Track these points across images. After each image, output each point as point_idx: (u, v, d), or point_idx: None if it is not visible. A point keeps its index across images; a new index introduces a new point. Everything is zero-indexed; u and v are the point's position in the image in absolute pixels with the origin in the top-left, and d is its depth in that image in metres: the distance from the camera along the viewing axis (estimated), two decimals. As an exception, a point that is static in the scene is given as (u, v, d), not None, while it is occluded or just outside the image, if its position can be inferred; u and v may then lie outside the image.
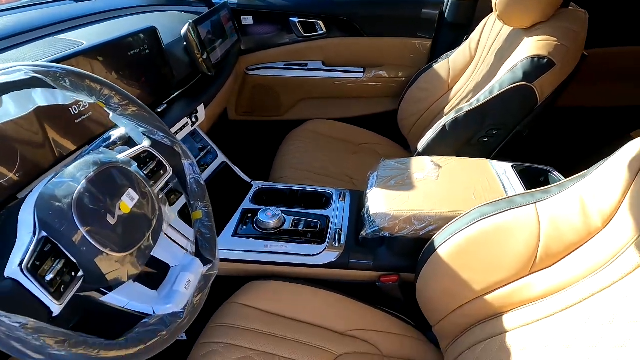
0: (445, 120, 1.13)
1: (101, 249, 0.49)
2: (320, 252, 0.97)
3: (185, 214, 0.83)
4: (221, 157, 1.20)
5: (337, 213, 1.08)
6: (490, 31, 1.34)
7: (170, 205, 0.95)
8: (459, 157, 1.07)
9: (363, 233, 0.94)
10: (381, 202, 0.94)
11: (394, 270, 0.95)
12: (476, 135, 1.12)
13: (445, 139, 1.14)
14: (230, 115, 1.88)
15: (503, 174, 1.00)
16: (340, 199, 1.13)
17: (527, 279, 0.72)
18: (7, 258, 0.44)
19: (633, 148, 0.64)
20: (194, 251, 0.66)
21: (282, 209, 1.06)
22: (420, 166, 1.04)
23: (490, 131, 1.10)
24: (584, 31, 1.07)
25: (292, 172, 1.38)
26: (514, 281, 0.73)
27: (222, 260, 0.97)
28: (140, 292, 0.56)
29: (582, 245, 0.67)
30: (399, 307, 0.96)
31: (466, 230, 0.78)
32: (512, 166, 1.03)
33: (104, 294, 0.53)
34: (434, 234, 0.84)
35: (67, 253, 0.46)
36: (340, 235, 1.01)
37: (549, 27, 1.06)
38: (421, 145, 1.19)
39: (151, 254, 0.61)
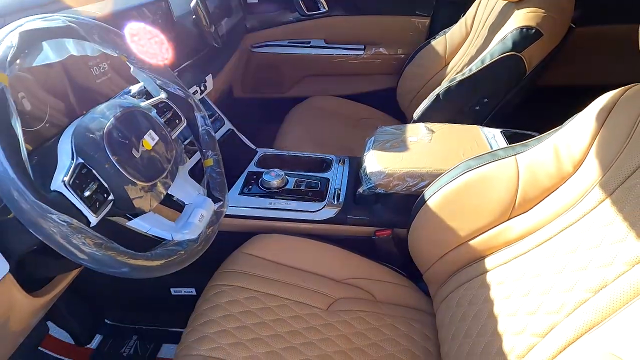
0: (439, 89, 1.20)
1: (128, 176, 0.56)
2: (320, 209, 1.05)
3: (194, 175, 0.91)
4: (228, 125, 1.28)
5: (337, 176, 1.15)
6: (485, 6, 1.40)
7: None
8: (451, 124, 1.14)
9: (360, 190, 1.01)
10: (377, 161, 1.01)
11: (388, 225, 1.02)
12: (468, 104, 1.18)
13: (439, 108, 1.21)
14: (235, 93, 1.95)
15: (492, 138, 1.07)
16: (340, 163, 1.21)
17: (506, 224, 0.79)
18: (51, 178, 0.51)
19: (601, 100, 0.71)
20: (206, 194, 0.73)
21: (285, 172, 1.13)
22: (415, 131, 1.11)
23: (481, 99, 1.17)
24: (571, 4, 1.13)
25: (295, 142, 1.45)
26: (494, 226, 0.81)
27: (229, 216, 1.05)
28: (161, 221, 0.64)
29: (555, 190, 0.74)
30: (392, 259, 1.03)
31: (453, 182, 0.85)
32: (500, 132, 1.10)
33: (130, 219, 0.61)
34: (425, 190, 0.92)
35: (99, 177, 0.54)
36: (339, 194, 1.08)
37: (538, 0, 1.12)
38: (416, 114, 1.26)
39: (168, 191, 0.69)
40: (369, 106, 1.76)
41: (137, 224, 0.61)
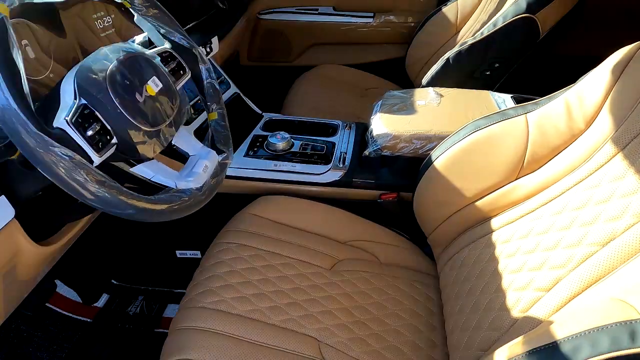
0: (449, 53, 1.17)
1: (131, 119, 0.56)
2: (326, 172, 1.04)
3: (199, 136, 0.90)
4: (233, 88, 1.26)
5: (343, 140, 1.14)
6: (499, -29, 1.35)
7: (187, 124, 1.02)
8: (461, 89, 1.12)
9: (366, 152, 1.00)
10: (384, 123, 1.00)
11: (393, 188, 1.01)
12: (479, 68, 1.16)
13: (449, 72, 1.19)
14: (242, 61, 1.92)
15: (502, 103, 1.05)
16: (347, 128, 1.19)
17: (514, 184, 0.78)
18: (54, 118, 0.51)
19: (616, 56, 0.69)
20: (210, 146, 0.73)
21: (291, 135, 1.12)
22: (423, 95, 1.09)
23: (492, 64, 1.14)
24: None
25: (301, 110, 1.44)
26: (502, 186, 0.80)
27: (234, 177, 1.05)
28: (165, 169, 0.63)
29: (565, 148, 0.72)
30: (397, 223, 1.03)
31: (461, 142, 0.84)
32: (511, 97, 1.08)
33: (133, 165, 0.61)
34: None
35: (102, 119, 0.53)
36: (344, 157, 1.07)
37: (555, -39, 1.08)
38: (425, 79, 1.24)
39: (172, 142, 0.68)
40: (376, 76, 1.73)
41: (141, 170, 0.60)
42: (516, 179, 0.78)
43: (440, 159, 0.87)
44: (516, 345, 0.48)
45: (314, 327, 0.78)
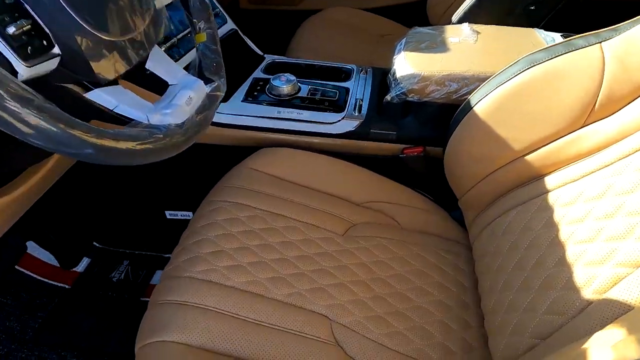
0: (486, -16, 0.99)
1: (79, 20, 0.39)
2: (339, 121, 0.88)
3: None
4: (230, 24, 1.08)
5: (358, 85, 0.97)
6: None
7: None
8: (500, 26, 0.94)
9: (387, 97, 0.84)
10: (410, 63, 0.83)
11: (419, 141, 0.86)
12: (521, 3, 0.97)
13: (484, 8, 1.00)
14: (241, 4, 1.72)
15: (551, 42, 0.88)
16: (362, 73, 1.02)
17: (580, 132, 0.62)
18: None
19: None
20: (197, 74, 0.56)
21: (297, 79, 0.95)
22: (456, 32, 0.91)
23: (538, -3, 0.96)
24: None
25: (308, 54, 1.26)
26: (563, 135, 0.64)
27: (230, 126, 0.89)
28: (134, 99, 0.48)
29: (655, 85, 0.56)
30: (422, 182, 0.88)
31: (511, 81, 0.67)
32: (562, 35, 0.90)
33: (89, 89, 0.45)
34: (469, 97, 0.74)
35: (33, 14, 0.37)
36: (360, 105, 0.91)
37: None
38: (456, 16, 1.05)
39: (147, 67, 0.52)
40: (392, 20, 1.53)
41: (99, 97, 0.44)
42: (583, 126, 0.62)
43: (482, 104, 0.71)
44: (627, 344, 0.34)
45: (324, 303, 0.64)
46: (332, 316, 0.63)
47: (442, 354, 0.62)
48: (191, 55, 0.91)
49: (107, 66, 0.43)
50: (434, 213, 0.85)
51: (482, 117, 0.70)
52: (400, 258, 0.74)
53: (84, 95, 0.44)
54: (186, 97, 0.51)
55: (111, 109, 0.45)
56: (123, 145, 0.41)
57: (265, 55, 1.09)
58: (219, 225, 0.70)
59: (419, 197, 0.86)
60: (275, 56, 1.10)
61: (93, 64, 0.42)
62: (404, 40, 0.92)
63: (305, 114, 0.89)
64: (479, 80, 0.77)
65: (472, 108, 0.72)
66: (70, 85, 0.44)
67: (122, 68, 0.45)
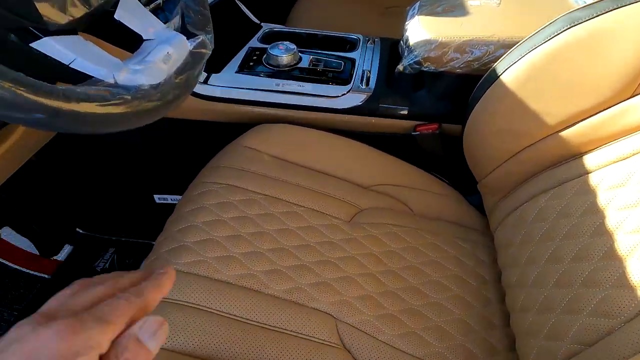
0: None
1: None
2: (344, 94, 0.79)
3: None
4: (224, -12, 0.98)
5: (365, 56, 0.88)
6: None
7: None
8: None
9: (399, 67, 0.74)
10: (425, 28, 0.73)
11: (434, 117, 0.77)
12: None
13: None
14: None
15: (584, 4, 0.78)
16: (369, 43, 0.92)
17: (628, 103, 0.53)
18: None
19: None
20: (179, 29, 0.47)
21: (298, 49, 0.85)
22: (476, -6, 0.81)
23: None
24: None
25: (310, 25, 1.15)
26: (606, 108, 0.55)
27: (223, 100, 0.80)
28: (97, 53, 0.38)
29: None
30: (436, 163, 0.79)
31: (546, 44, 0.58)
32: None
33: (38, 37, 0.35)
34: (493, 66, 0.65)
35: None
36: (368, 77, 0.82)
37: None
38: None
39: (116, 17, 0.43)
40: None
41: (49, 47, 0.35)
42: (633, 96, 0.53)
43: (510, 73, 0.61)
44: None
45: (329, 299, 0.56)
46: (337, 315, 0.55)
47: (463, 358, 0.54)
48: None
49: (58, 7, 0.34)
50: (450, 197, 0.76)
51: (509, 87, 0.61)
52: (414, 248, 0.66)
53: (31, 44, 0.35)
54: (163, 54, 0.42)
55: (66, 63, 0.36)
56: (79, 107, 0.32)
57: (262, 24, 0.99)
58: (208, 210, 0.62)
59: (434, 179, 0.77)
60: (273, 25, 1.00)
61: (38, 4, 0.33)
62: (417, 5, 0.82)
63: (307, 87, 0.79)
64: (505, 46, 0.67)
65: (497, 78, 0.63)
66: (13, 35, 0.35)
67: (78, 11, 0.36)
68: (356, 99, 0.78)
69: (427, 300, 0.59)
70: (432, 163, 0.79)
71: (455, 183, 0.79)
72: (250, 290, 0.55)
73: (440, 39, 0.70)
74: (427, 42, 0.71)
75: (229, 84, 0.80)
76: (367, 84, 0.81)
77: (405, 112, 0.77)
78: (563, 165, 0.59)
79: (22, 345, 0.22)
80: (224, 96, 0.79)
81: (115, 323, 0.24)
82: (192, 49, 0.44)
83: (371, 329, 0.55)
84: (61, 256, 0.99)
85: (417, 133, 0.76)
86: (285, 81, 0.80)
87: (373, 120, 0.79)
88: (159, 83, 0.39)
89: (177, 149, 0.91)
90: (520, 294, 0.56)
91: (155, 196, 1.00)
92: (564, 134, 0.59)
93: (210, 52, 0.46)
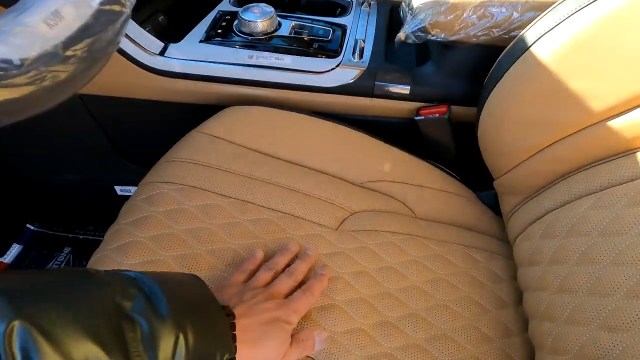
0: None
1: None
2: (333, 69, 0.64)
3: None
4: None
5: (359, 23, 0.73)
6: None
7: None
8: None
9: (400, 35, 0.60)
10: (433, -14, 0.58)
11: (441, 98, 0.63)
12: None
13: None
14: None
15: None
16: (364, 7, 0.77)
17: None
18: None
19: None
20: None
21: (278, 12, 0.70)
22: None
23: None
24: None
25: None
26: (677, 90, 0.41)
27: (183, 77, 0.66)
28: None
29: None
30: (443, 154, 0.66)
31: (596, 4, 0.44)
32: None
33: None
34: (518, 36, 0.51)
35: None
36: (362, 48, 0.67)
37: None
38: None
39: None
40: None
41: None
42: None
43: (544, 43, 0.47)
44: None
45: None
46: (318, 357, 0.43)
47: (478, 410, 0.43)
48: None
49: None
50: (461, 197, 0.63)
51: (543, 62, 0.47)
52: (416, 262, 0.53)
53: None
54: (48, 12, 0.27)
55: None
56: None
57: (236, -17, 0.83)
58: (155, 221, 0.48)
59: (441, 174, 0.64)
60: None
61: None
62: (422, -41, 0.66)
63: (287, 60, 0.65)
64: (537, 7, 0.53)
65: (526, 49, 0.49)
66: None
67: None
68: (347, 75, 0.64)
69: (433, 332, 0.47)
70: (439, 154, 0.65)
71: (467, 177, 0.66)
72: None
73: (450, 1, 0.56)
74: (435, 4, 0.57)
75: (191, 56, 0.65)
76: (361, 56, 0.66)
77: (407, 91, 0.63)
78: (608, 163, 0.46)
79: (267, 312, 0.40)
80: (185, 72, 0.65)
81: (302, 312, 0.42)
82: (99, 4, 0.30)
83: (364, 375, 0.43)
84: (8, 258, 0.86)
85: (421, 118, 0.62)
86: (260, 53, 0.65)
87: (367, 101, 0.65)
88: (31, 57, 0.25)
89: (135, 135, 0.77)
90: (551, 329, 0.44)
91: (117, 188, 0.87)
92: (613, 123, 0.45)
93: (129, 12, 0.32)
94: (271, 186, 0.56)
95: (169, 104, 0.68)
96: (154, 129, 0.74)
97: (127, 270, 0.33)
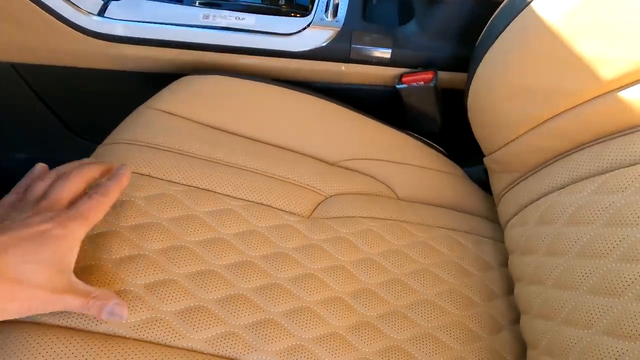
0: None
1: None
2: (302, 30, 0.56)
3: None
4: None
5: (333, -26, 0.63)
6: None
7: None
8: None
9: (379, -11, 0.51)
10: None
11: (426, 62, 0.55)
12: None
13: None
14: None
15: None
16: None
17: None
18: None
19: None
20: None
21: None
22: None
23: None
24: None
25: None
26: None
27: (127, 41, 0.56)
28: None
29: None
30: (430, 129, 0.59)
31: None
32: None
33: None
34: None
35: None
36: (337, 5, 0.58)
37: None
38: None
39: None
40: None
41: None
42: None
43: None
44: None
45: (275, 346, 0.38)
46: (286, 371, 0.38)
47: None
48: None
49: None
50: (448, 174, 0.57)
51: (546, 20, 0.40)
52: (397, 251, 0.48)
53: None
54: None
55: None
56: None
57: None
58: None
59: (426, 149, 0.58)
60: None
61: None
62: None
63: (249, 20, 0.56)
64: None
65: (527, 4, 0.41)
66: None
67: None
68: (319, 37, 0.56)
69: (417, 332, 0.43)
70: (424, 126, 0.59)
71: (455, 151, 0.60)
72: (157, 345, 0.36)
73: (440, -57, 0.47)
74: (420, -51, 0.48)
75: (136, 16, 0.56)
76: (335, 14, 0.57)
77: (388, 55, 0.55)
78: (617, 140, 0.40)
79: (29, 227, 0.30)
80: (129, 35, 0.56)
81: (92, 219, 0.33)
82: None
83: (337, 386, 0.38)
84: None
85: (404, 86, 0.55)
86: (217, 12, 0.56)
87: (343, 67, 0.57)
88: None
89: (85, 109, 0.68)
90: (547, 329, 0.39)
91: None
92: (625, 94, 0.39)
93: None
94: (232, 169, 0.48)
95: (115, 74, 0.59)
96: (103, 103, 0.66)
97: None
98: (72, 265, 0.32)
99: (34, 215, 0.31)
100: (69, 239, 0.32)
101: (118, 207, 0.43)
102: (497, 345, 0.44)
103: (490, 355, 0.43)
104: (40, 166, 0.38)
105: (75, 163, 0.38)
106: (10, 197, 0.35)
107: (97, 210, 0.34)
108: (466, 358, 0.42)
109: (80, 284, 0.33)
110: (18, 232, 0.29)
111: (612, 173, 0.39)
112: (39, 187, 0.35)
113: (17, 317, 0.30)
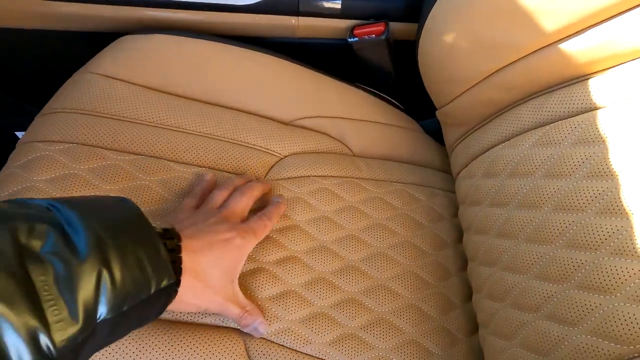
0: None
1: None
2: (247, -18, 0.53)
3: None
4: None
5: None
6: None
7: None
8: None
9: None
10: None
11: (378, 14, 0.53)
12: None
13: None
14: None
15: None
16: None
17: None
18: None
19: None
20: None
21: None
22: None
23: None
24: None
25: None
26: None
27: (60, -2, 0.52)
28: None
29: None
30: (383, 82, 0.58)
31: None
32: None
33: None
34: None
35: None
36: (283, -49, 0.55)
37: None
38: None
39: None
40: None
41: None
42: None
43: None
44: None
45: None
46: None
47: (416, 352, 0.42)
48: None
49: None
50: (403, 128, 0.57)
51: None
52: (352, 207, 0.49)
53: None
54: None
55: None
56: None
57: None
58: (36, 192, 0.40)
59: (380, 104, 0.57)
60: None
61: None
62: None
63: (190, -29, 0.52)
64: None
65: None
66: None
67: None
68: (266, -12, 0.53)
69: (370, 284, 0.45)
70: (378, 80, 0.58)
71: (410, 104, 0.59)
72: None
73: None
74: None
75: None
76: (282, -38, 0.54)
77: (338, 5, 0.53)
78: (558, 91, 0.41)
79: (218, 234, 0.35)
80: (60, -9, 0.51)
81: (259, 237, 0.39)
82: None
83: (292, 339, 0.40)
84: None
85: (355, 39, 0.53)
86: (154, -38, 0.52)
87: (292, 20, 0.54)
88: None
89: (25, 73, 0.64)
90: (489, 274, 0.42)
91: (18, 134, 0.75)
92: (566, 45, 0.39)
93: None
94: (182, 134, 0.47)
95: (52, 34, 0.55)
96: (44, 66, 0.62)
97: (38, 200, 0.27)
98: (238, 276, 0.37)
99: (219, 223, 0.36)
100: (244, 250, 0.37)
101: (62, 182, 0.41)
102: (445, 290, 0.47)
103: (440, 299, 0.46)
104: (210, 175, 0.44)
105: (244, 178, 0.45)
106: (191, 201, 0.40)
107: (264, 230, 0.40)
108: (417, 304, 0.45)
109: (241, 295, 0.37)
110: (210, 236, 0.34)
111: (551, 125, 0.40)
112: (219, 197, 0.40)
113: (195, 311, 0.35)
